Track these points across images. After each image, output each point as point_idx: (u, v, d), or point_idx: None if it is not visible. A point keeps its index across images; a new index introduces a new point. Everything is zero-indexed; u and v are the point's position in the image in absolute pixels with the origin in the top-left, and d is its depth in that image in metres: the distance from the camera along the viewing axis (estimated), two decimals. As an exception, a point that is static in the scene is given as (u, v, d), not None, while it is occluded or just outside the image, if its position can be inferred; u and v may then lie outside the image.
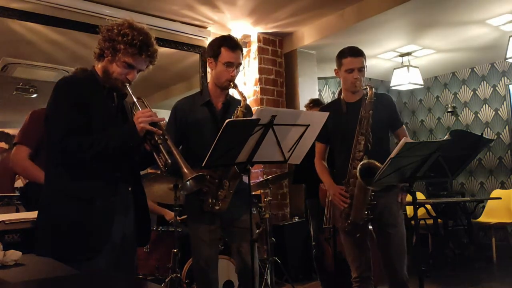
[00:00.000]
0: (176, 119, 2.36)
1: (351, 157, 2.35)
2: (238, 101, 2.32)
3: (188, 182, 1.80)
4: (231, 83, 2.30)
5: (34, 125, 2.50)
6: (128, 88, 1.83)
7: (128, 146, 1.77)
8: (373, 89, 2.36)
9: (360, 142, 2.33)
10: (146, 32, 1.82)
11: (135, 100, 1.85)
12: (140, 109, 1.82)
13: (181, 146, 2.40)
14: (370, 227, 2.51)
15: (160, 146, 1.78)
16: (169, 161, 1.76)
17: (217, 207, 2.22)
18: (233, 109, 2.31)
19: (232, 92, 2.42)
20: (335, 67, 2.54)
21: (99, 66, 1.85)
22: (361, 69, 2.43)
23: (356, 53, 2.45)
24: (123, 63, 1.78)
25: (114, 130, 1.78)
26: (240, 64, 2.35)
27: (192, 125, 2.33)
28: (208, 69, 4.71)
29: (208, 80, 2.51)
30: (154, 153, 1.81)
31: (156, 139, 1.77)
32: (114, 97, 1.88)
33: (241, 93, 2.27)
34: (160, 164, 1.79)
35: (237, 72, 2.33)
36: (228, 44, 2.31)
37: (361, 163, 2.25)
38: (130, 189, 1.87)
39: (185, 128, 2.34)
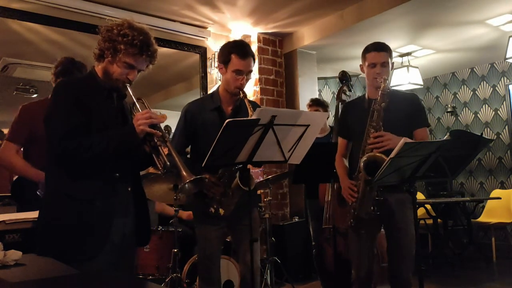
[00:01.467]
0: (185, 121, 2.37)
1: (361, 150, 2.33)
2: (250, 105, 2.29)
3: (186, 185, 1.81)
4: (240, 91, 2.27)
5: (23, 120, 2.49)
6: (129, 89, 1.83)
7: (127, 147, 1.77)
8: (387, 81, 2.31)
9: (370, 136, 2.29)
10: (146, 32, 1.83)
11: (135, 100, 1.85)
12: (140, 110, 1.83)
13: (190, 147, 2.42)
14: (382, 230, 2.50)
15: (160, 148, 1.78)
16: (168, 163, 1.76)
17: (221, 213, 2.24)
18: (242, 115, 2.28)
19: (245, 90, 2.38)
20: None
21: (99, 67, 1.85)
22: (384, 64, 2.38)
23: (379, 47, 2.41)
24: (124, 63, 1.78)
25: (113, 131, 1.78)
26: (251, 71, 2.31)
27: (200, 129, 2.34)
28: (209, 69, 4.81)
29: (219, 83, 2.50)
30: (153, 155, 1.81)
31: (156, 140, 1.77)
32: (114, 98, 1.88)
33: (249, 105, 2.24)
34: (159, 165, 1.80)
35: (248, 80, 2.31)
36: (239, 51, 2.26)
37: (367, 154, 2.23)
38: (129, 189, 1.87)
39: (194, 130, 2.35)
